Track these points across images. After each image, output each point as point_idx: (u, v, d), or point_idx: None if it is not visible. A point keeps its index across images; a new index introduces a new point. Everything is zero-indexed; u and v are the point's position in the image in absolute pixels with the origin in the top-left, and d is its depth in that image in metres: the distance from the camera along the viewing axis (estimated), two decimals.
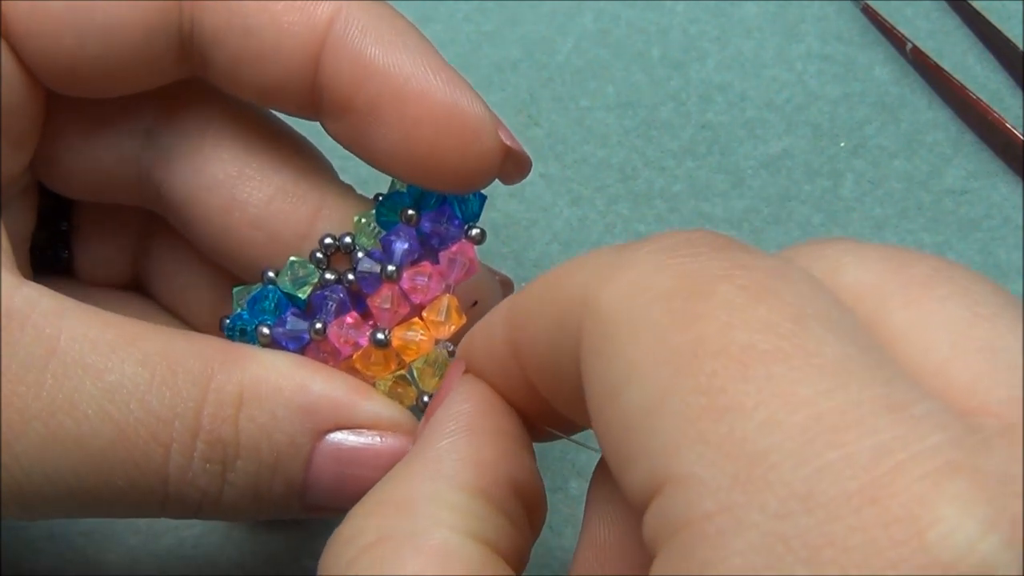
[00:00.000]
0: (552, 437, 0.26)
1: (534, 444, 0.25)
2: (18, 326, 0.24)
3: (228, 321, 0.29)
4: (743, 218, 0.39)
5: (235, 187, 0.29)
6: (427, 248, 0.28)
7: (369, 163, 0.28)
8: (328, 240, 0.29)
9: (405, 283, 0.28)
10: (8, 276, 0.25)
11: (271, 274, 0.29)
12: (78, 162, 0.30)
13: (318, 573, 0.22)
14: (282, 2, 0.26)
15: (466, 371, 0.25)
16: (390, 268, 0.28)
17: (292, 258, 0.28)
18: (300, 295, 0.28)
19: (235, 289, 0.29)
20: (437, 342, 0.28)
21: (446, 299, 0.28)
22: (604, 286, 0.19)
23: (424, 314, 0.28)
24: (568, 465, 0.35)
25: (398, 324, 0.28)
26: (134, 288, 0.33)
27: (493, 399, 0.24)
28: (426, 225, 0.28)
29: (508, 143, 0.27)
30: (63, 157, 0.30)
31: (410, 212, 0.28)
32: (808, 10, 0.42)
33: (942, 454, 0.16)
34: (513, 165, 0.28)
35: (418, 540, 0.21)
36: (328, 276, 0.28)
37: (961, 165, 0.40)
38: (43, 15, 0.26)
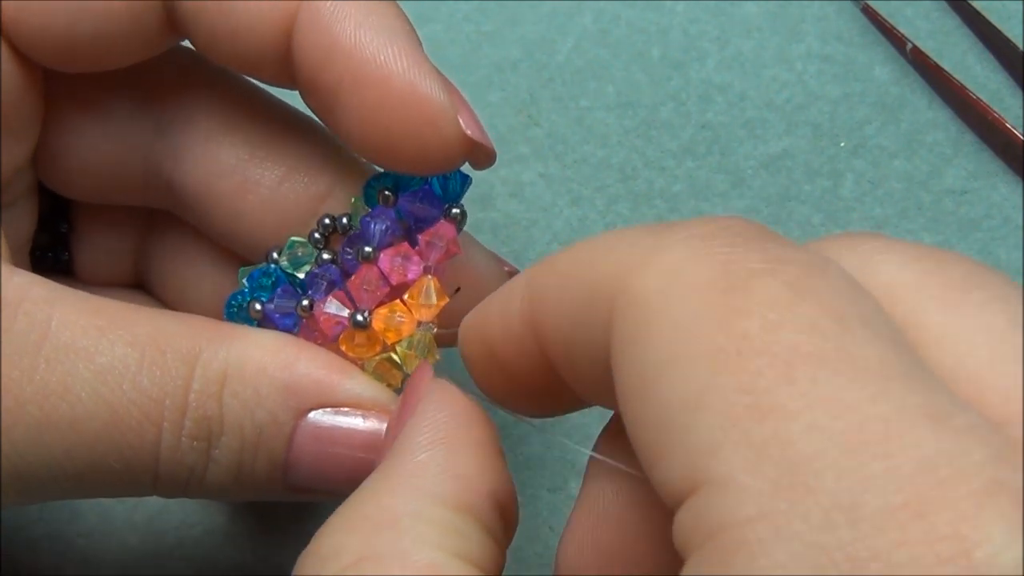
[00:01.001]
0: (547, 415, 0.25)
1: (524, 445, 0.25)
2: (10, 313, 0.25)
3: (229, 298, 0.29)
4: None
5: (247, 170, 0.29)
6: (409, 231, 0.28)
7: (340, 139, 0.28)
8: (327, 220, 0.29)
9: (383, 264, 0.28)
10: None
11: (275, 255, 0.29)
12: (85, 159, 0.30)
13: None
14: None
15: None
16: (367, 249, 0.27)
17: (292, 238, 0.29)
18: (299, 275, 0.28)
19: (241, 269, 0.29)
20: (419, 324, 0.27)
21: (427, 280, 0.28)
22: (640, 270, 0.19)
23: (406, 296, 0.28)
24: (568, 465, 0.36)
25: (379, 306, 0.28)
26: (136, 286, 0.33)
27: (468, 407, 0.24)
28: (404, 206, 0.28)
29: (470, 133, 0.27)
30: (70, 154, 0.30)
31: (386, 193, 0.28)
32: (808, 10, 0.42)
33: (986, 471, 0.15)
34: (476, 156, 0.28)
35: (404, 560, 0.21)
36: (325, 256, 0.28)
37: (961, 165, 0.40)
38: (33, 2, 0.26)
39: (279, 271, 0.29)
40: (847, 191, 0.40)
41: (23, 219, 0.30)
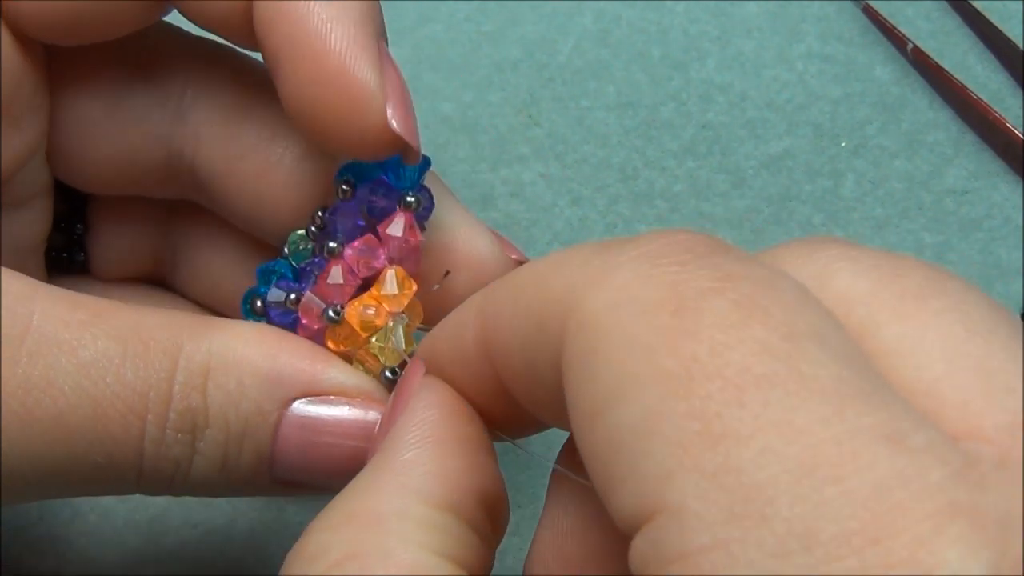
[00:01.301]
0: (502, 440, 0.25)
1: (518, 441, 0.25)
2: None
3: (244, 295, 0.29)
4: (744, 218, 0.39)
5: (268, 149, 0.29)
6: (373, 220, 0.28)
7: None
8: (320, 212, 0.29)
9: (349, 259, 0.27)
10: None
11: (286, 250, 0.29)
12: (104, 150, 0.30)
13: None
14: None
15: (427, 371, 0.25)
16: (331, 245, 0.27)
17: (293, 233, 0.29)
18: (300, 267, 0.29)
19: (258, 268, 0.29)
20: (391, 314, 0.27)
21: (388, 271, 0.27)
22: (588, 293, 0.19)
23: (373, 289, 0.27)
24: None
25: (351, 300, 0.27)
26: (153, 282, 0.33)
27: (457, 405, 0.24)
28: (363, 197, 0.28)
29: (395, 126, 0.26)
30: (89, 146, 0.30)
31: (344, 188, 0.28)
32: (809, 10, 0.42)
33: (943, 493, 0.15)
34: (404, 150, 0.27)
35: (388, 559, 0.20)
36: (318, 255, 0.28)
37: (962, 165, 0.40)
38: None
39: (286, 265, 0.29)
40: (848, 191, 0.40)
41: (37, 220, 0.30)
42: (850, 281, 0.19)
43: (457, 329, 0.23)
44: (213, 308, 0.32)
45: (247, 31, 0.27)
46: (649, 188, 0.40)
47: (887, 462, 0.15)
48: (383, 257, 0.27)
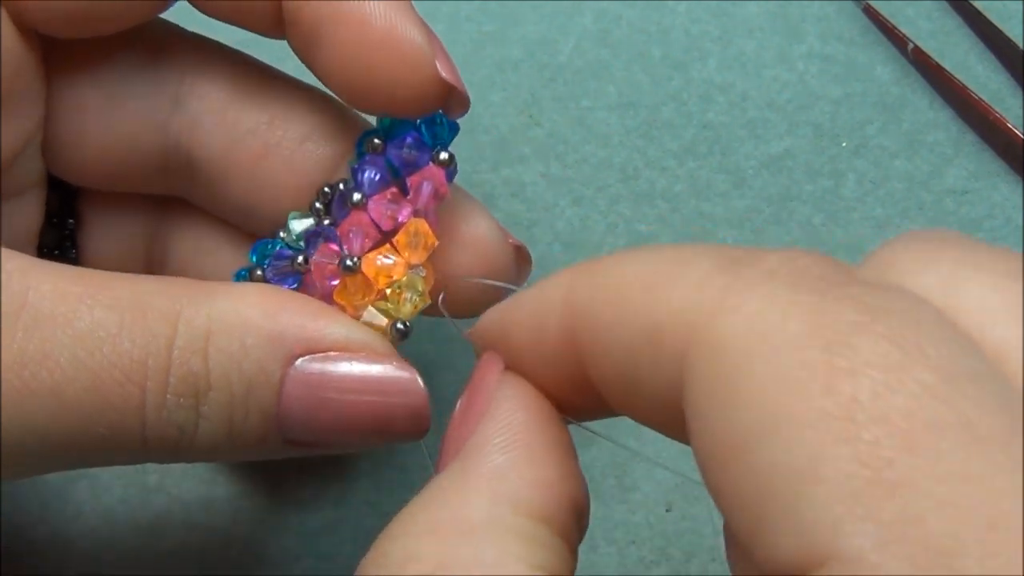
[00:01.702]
0: (572, 423, 0.24)
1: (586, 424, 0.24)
2: None
3: (235, 274, 0.29)
4: (744, 218, 0.39)
5: (266, 134, 0.29)
6: (399, 177, 0.28)
7: (322, 82, 0.28)
8: (327, 189, 0.29)
9: (373, 210, 0.28)
10: None
11: (281, 233, 0.29)
12: (101, 142, 0.30)
13: None
14: None
15: (499, 355, 0.23)
16: (356, 196, 0.28)
17: (292, 213, 0.29)
18: (301, 246, 0.29)
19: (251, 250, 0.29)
20: (410, 266, 0.27)
21: (415, 223, 0.27)
22: (719, 317, 0.18)
23: (394, 240, 0.28)
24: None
25: (369, 251, 0.28)
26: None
27: (544, 407, 0.23)
28: (392, 153, 0.28)
29: (445, 75, 0.27)
30: (85, 137, 0.30)
31: (375, 141, 0.28)
32: (809, 10, 0.42)
33: None
34: (451, 101, 0.28)
35: (484, 572, 0.19)
36: (326, 222, 0.28)
37: (962, 165, 0.40)
38: None
39: (282, 244, 0.29)
40: (848, 191, 0.40)
41: (30, 211, 0.30)
42: (984, 297, 0.18)
43: (538, 317, 0.22)
44: None
45: (271, 16, 0.27)
46: (650, 188, 0.40)
47: None
48: (408, 211, 0.28)
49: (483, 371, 0.24)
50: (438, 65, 0.27)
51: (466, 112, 0.29)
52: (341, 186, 0.29)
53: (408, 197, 0.28)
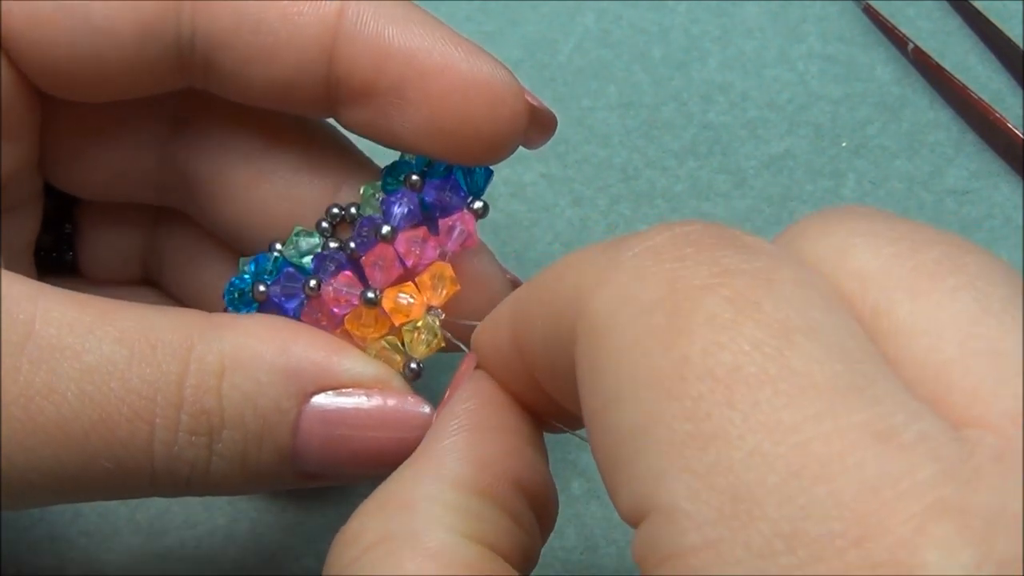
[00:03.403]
0: (559, 430, 0.26)
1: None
2: None
3: (228, 284, 0.28)
4: (745, 218, 0.39)
5: (263, 160, 0.29)
6: (428, 216, 0.28)
7: (393, 146, 0.28)
8: (335, 210, 0.29)
9: (400, 245, 0.28)
10: None
11: (278, 245, 0.29)
12: (100, 159, 0.30)
13: (323, 573, 0.22)
14: None
15: (476, 366, 0.25)
16: (385, 229, 0.27)
17: (297, 227, 0.29)
18: (303, 262, 0.28)
19: (241, 259, 0.29)
20: (428, 308, 0.27)
21: (440, 266, 0.28)
22: (594, 292, 0.19)
23: (417, 279, 0.28)
24: (570, 466, 0.35)
25: (390, 286, 0.28)
26: (144, 283, 0.33)
27: (498, 395, 0.24)
28: (430, 193, 0.28)
29: (534, 103, 0.27)
30: (85, 155, 0.29)
31: (414, 178, 0.28)
32: (810, 10, 0.42)
33: (931, 490, 0.15)
34: (538, 126, 0.28)
35: (417, 541, 0.21)
36: (332, 244, 0.28)
37: (962, 165, 0.40)
38: (35, 11, 0.26)
39: (282, 259, 0.29)
40: (849, 191, 0.40)
41: (26, 222, 0.30)
42: (866, 258, 0.18)
43: (495, 325, 0.24)
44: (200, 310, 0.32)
45: (319, 94, 0.27)
46: (650, 188, 0.40)
47: (875, 461, 0.15)
48: (435, 251, 0.28)
49: (458, 372, 0.25)
50: (526, 95, 0.27)
51: (552, 136, 0.29)
52: (353, 210, 0.29)
53: (436, 235, 0.28)
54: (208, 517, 0.35)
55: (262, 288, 0.28)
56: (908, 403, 0.16)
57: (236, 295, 0.28)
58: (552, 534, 0.35)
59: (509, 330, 0.23)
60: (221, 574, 0.35)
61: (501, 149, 0.27)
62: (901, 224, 0.19)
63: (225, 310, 0.29)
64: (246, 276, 0.28)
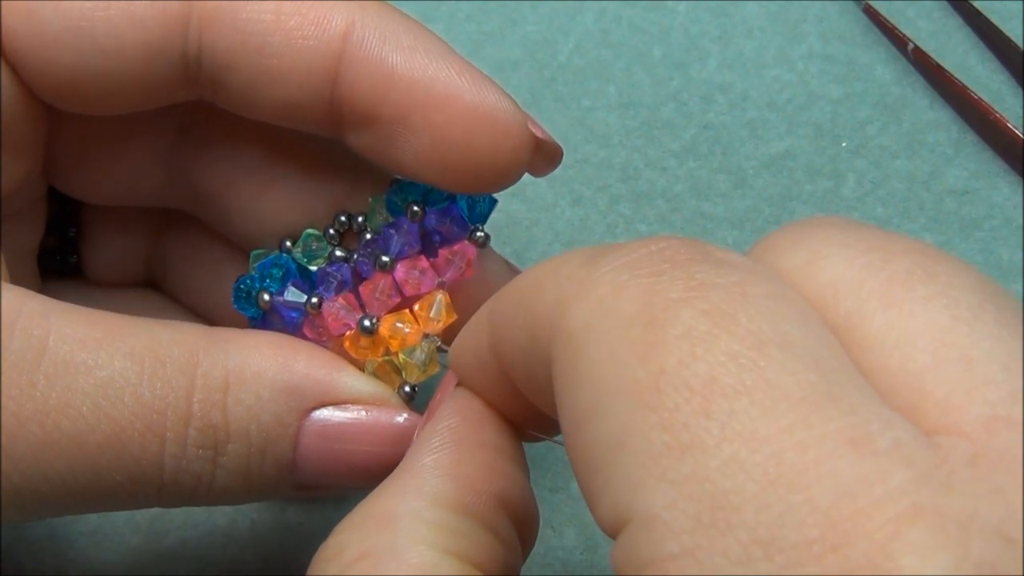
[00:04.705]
0: (537, 439, 0.26)
1: (527, 445, 0.25)
2: (7, 331, 0.24)
3: (237, 281, 0.29)
4: (745, 218, 0.39)
5: (271, 167, 0.29)
6: (428, 244, 0.28)
7: (397, 172, 0.28)
8: (343, 218, 0.29)
9: (399, 274, 0.28)
10: None
11: (288, 243, 0.29)
12: (106, 165, 0.30)
13: None
14: (295, 18, 0.26)
15: (457, 383, 0.25)
16: (384, 259, 0.28)
17: (307, 230, 0.29)
18: (311, 267, 0.29)
19: (253, 252, 0.29)
20: (425, 336, 0.28)
21: (438, 295, 0.28)
22: (570, 305, 0.19)
23: (415, 308, 0.28)
24: (569, 466, 0.35)
25: (388, 313, 0.28)
26: (148, 285, 0.33)
27: (482, 412, 0.24)
28: (431, 221, 0.28)
29: (539, 135, 0.27)
30: (92, 162, 0.29)
31: (415, 208, 0.28)
32: (810, 10, 0.42)
33: (906, 495, 0.15)
34: (543, 156, 0.28)
35: (397, 557, 0.21)
36: (338, 253, 0.29)
37: (963, 165, 0.40)
38: (41, 31, 0.26)
39: (291, 261, 0.29)
40: (849, 191, 0.40)
41: (31, 227, 0.30)
42: (839, 269, 0.19)
43: (474, 338, 0.24)
44: (204, 313, 0.32)
45: (324, 116, 0.27)
46: (650, 188, 0.40)
47: (850, 467, 0.15)
48: (433, 281, 0.28)
49: (440, 389, 0.25)
50: (530, 127, 0.27)
51: (558, 166, 0.28)
52: (361, 219, 0.29)
53: (432, 263, 0.28)
54: (208, 517, 0.35)
55: (266, 297, 0.28)
56: (882, 411, 0.16)
57: (244, 294, 0.29)
58: (552, 534, 0.35)
59: (487, 336, 0.23)
60: (221, 574, 0.35)
61: (505, 179, 0.27)
62: (872, 234, 0.19)
63: (234, 307, 0.29)
64: (254, 276, 0.29)
